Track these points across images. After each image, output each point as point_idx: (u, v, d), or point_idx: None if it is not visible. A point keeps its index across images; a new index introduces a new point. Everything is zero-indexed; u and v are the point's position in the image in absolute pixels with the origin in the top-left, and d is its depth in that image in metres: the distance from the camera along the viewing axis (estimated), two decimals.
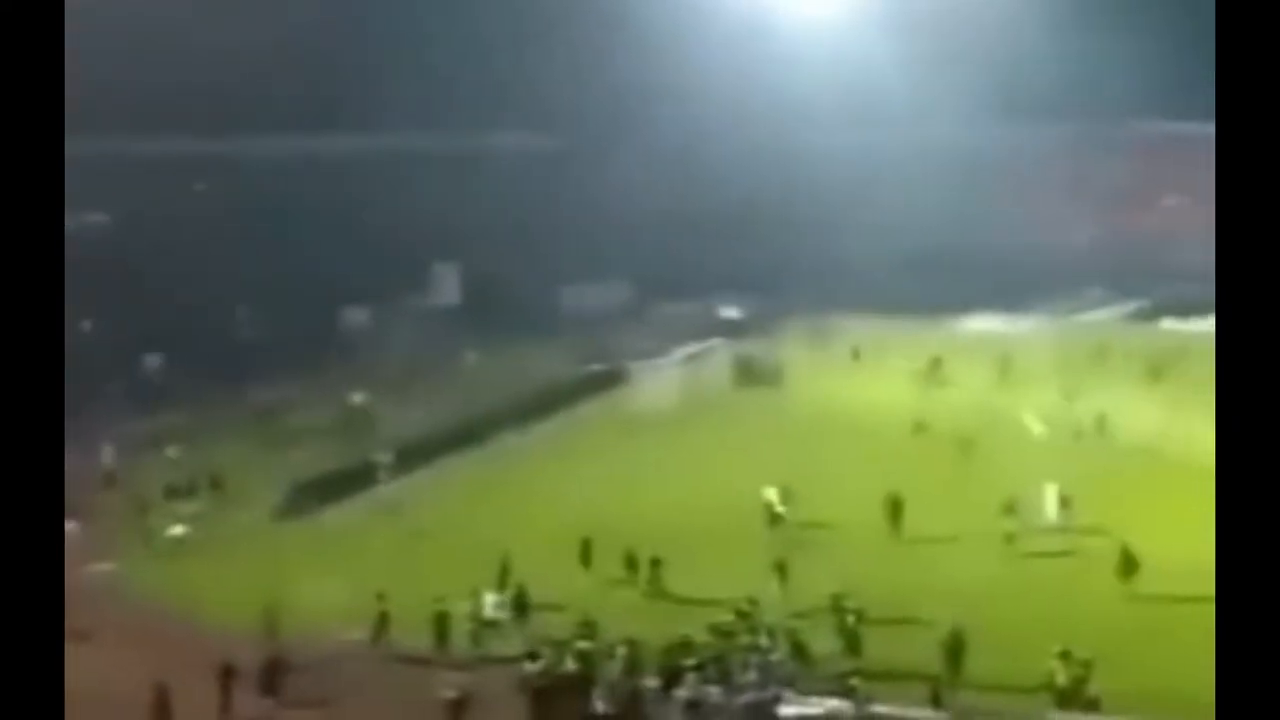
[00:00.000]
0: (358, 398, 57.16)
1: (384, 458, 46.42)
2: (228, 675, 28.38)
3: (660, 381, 59.16)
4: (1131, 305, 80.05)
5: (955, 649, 29.33)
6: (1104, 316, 77.79)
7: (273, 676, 28.73)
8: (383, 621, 31.90)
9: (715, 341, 67.00)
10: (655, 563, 35.26)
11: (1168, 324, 75.15)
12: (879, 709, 27.36)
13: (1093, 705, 27.63)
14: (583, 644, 28.95)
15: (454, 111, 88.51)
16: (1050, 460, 45.66)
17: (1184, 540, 35.77)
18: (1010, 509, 39.31)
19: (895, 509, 40.39)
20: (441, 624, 31.58)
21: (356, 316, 73.74)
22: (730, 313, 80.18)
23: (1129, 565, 34.65)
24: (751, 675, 27.71)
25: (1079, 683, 27.97)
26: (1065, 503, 40.98)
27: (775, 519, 40.28)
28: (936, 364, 64.31)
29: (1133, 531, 36.29)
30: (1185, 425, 47.62)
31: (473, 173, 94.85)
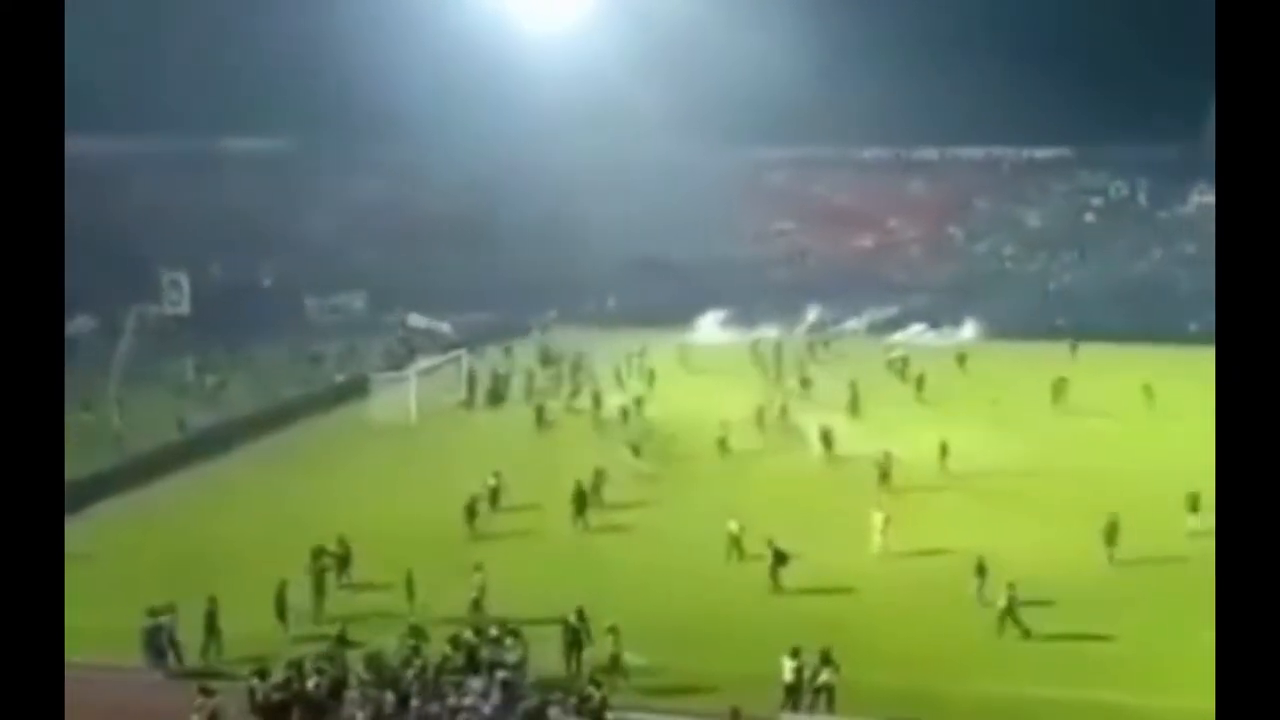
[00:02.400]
0: (86, 410, 55.35)
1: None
2: None
3: (398, 394, 59.31)
4: (852, 320, 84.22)
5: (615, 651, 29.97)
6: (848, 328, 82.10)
7: None
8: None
9: (453, 354, 67.46)
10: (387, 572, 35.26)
11: (887, 337, 79.32)
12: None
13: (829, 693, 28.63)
14: (321, 660, 28.63)
15: (184, 115, 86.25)
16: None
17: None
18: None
19: (579, 501, 42.62)
20: (153, 639, 30.97)
21: (84, 325, 71.15)
22: (463, 325, 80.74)
23: (780, 558, 36.18)
24: (479, 683, 27.57)
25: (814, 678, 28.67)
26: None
27: (472, 517, 41.58)
28: (652, 373, 67.31)
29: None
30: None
31: (203, 177, 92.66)
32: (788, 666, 28.70)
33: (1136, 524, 39.89)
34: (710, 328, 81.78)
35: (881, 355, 72.44)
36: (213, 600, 31.77)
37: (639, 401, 59.35)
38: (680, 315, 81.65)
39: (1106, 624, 33.70)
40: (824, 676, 28.51)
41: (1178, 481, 43.19)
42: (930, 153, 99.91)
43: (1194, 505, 41.51)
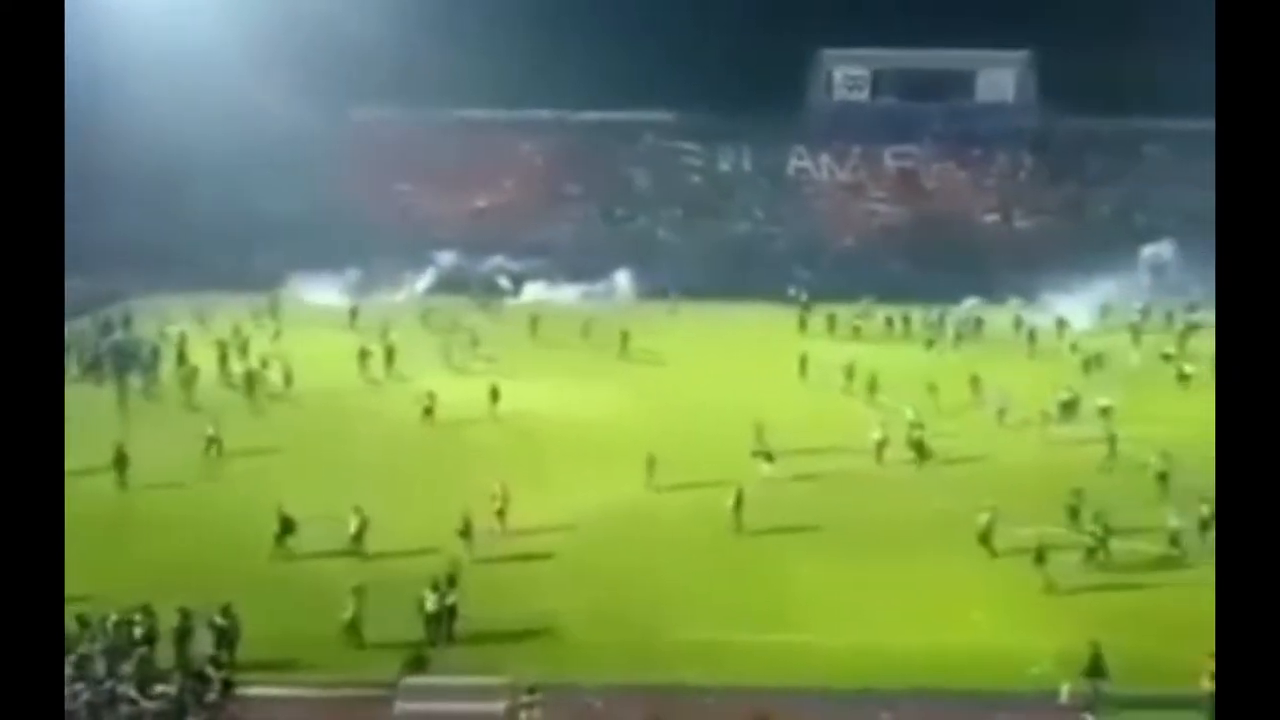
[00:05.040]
0: None
1: None
2: None
3: None
4: (468, 277, 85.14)
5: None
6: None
7: None
8: None
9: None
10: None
11: (502, 296, 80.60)
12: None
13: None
14: None
15: None
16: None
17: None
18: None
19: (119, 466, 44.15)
20: None
21: None
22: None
23: (287, 526, 37.07)
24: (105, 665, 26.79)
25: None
26: None
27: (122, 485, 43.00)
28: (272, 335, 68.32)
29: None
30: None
31: None
32: (430, 598, 30.74)
33: (685, 467, 43.09)
34: (328, 289, 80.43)
35: (480, 312, 75.96)
36: None
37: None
38: (293, 277, 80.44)
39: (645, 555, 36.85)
40: (450, 598, 30.86)
41: (745, 433, 45.99)
42: (543, 114, 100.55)
43: (769, 457, 44.33)
